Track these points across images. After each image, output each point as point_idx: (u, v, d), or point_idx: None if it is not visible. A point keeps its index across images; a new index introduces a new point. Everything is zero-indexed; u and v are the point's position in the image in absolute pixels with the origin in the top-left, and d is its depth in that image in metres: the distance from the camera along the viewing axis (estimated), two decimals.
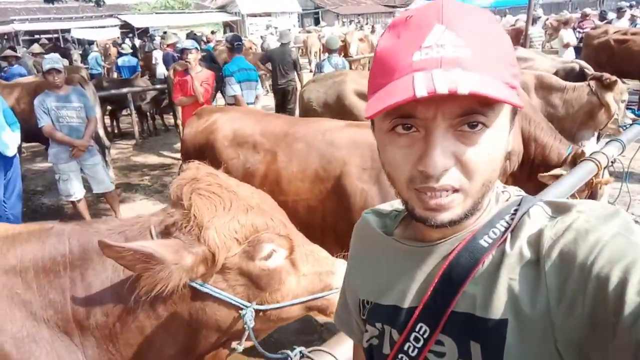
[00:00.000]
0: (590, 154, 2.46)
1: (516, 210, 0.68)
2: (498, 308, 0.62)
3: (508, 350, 0.61)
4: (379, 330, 0.78)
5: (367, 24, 24.94)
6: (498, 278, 0.63)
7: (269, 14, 30.38)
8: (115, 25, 25.56)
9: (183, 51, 5.81)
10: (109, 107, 8.89)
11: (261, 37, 18.67)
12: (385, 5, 36.65)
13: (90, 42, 18.19)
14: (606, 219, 0.60)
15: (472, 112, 0.60)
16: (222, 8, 32.37)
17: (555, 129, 3.26)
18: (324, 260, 1.45)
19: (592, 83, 3.85)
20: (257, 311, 1.32)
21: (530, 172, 3.26)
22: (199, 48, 6.29)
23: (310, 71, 12.69)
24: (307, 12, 33.74)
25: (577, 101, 3.86)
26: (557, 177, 2.61)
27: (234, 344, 1.45)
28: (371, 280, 0.81)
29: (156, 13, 28.93)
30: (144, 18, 27.51)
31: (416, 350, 0.70)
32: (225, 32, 24.86)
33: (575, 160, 2.73)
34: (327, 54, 6.74)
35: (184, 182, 1.27)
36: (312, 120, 3.07)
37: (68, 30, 22.42)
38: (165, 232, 1.24)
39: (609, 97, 3.69)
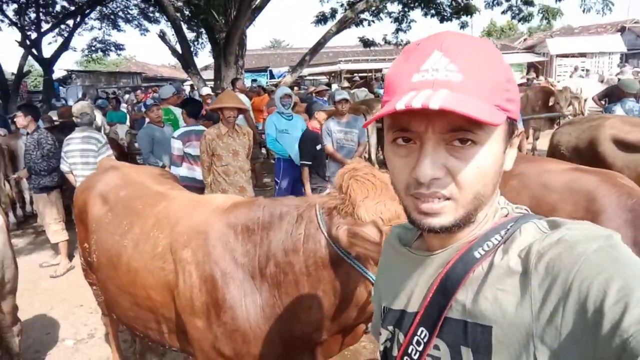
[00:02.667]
0: None
1: (512, 225, 0.72)
2: (485, 316, 0.66)
3: (495, 356, 0.65)
4: (390, 333, 0.84)
5: None
6: (485, 287, 0.67)
7: (583, 54, 27.64)
8: None
9: None
10: None
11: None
12: None
13: None
14: (594, 237, 0.61)
15: (460, 128, 0.64)
16: (531, 49, 31.23)
17: None
18: None
19: None
20: None
21: None
22: None
23: None
24: (635, 51, 29.11)
25: None
26: None
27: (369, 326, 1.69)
28: (389, 288, 0.88)
29: None
30: None
31: (418, 354, 0.75)
32: (528, 73, 23.92)
33: None
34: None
35: (345, 171, 1.61)
36: (534, 159, 2.96)
37: (380, 70, 25.81)
38: (327, 213, 1.62)
39: None
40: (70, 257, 5.68)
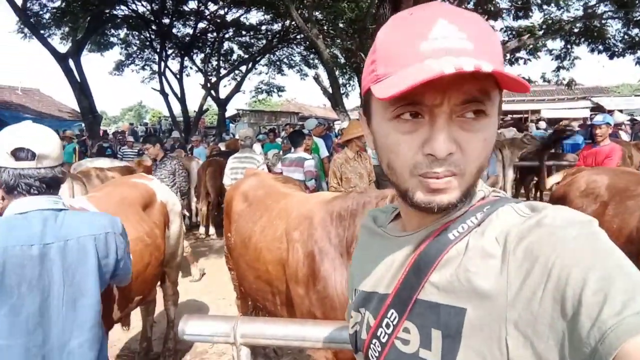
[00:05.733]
0: None
1: (488, 208, 0.70)
2: (458, 298, 0.64)
3: (465, 339, 0.63)
4: (361, 315, 0.82)
5: None
6: (460, 269, 0.65)
7: None
8: (586, 107, 25.67)
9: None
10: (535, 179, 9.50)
11: None
12: None
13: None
14: (573, 223, 0.60)
15: (474, 100, 0.62)
16: None
17: None
18: None
19: None
20: None
21: None
22: None
23: None
24: None
25: None
26: None
27: None
28: (361, 270, 0.85)
29: (635, 95, 27.04)
30: (620, 101, 26.27)
31: (386, 336, 0.73)
32: None
33: None
34: None
35: None
36: None
37: (537, 111, 24.39)
38: (391, 200, 1.96)
39: None
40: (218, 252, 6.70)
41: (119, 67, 22.60)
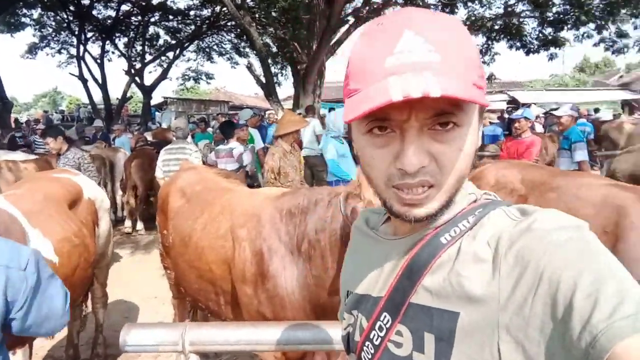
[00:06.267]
0: None
1: (480, 212, 0.70)
2: (451, 302, 0.64)
3: (457, 343, 0.63)
4: (354, 317, 0.82)
5: None
6: (452, 273, 0.65)
7: None
8: (503, 100, 27.39)
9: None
10: None
11: None
12: None
13: None
14: (564, 227, 0.60)
15: (443, 112, 0.62)
16: (626, 86, 29.45)
17: None
18: None
19: None
20: None
21: None
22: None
23: None
24: None
25: None
26: None
27: None
28: (354, 272, 0.86)
29: (546, 90, 29.26)
30: (533, 95, 28.29)
31: (379, 339, 0.73)
32: (623, 111, 22.55)
33: None
34: None
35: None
36: (575, 174, 3.06)
37: None
38: (346, 198, 1.93)
39: None
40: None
41: (32, 50, 20.84)
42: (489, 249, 0.64)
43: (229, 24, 19.11)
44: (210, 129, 14.06)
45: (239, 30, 17.74)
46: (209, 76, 24.74)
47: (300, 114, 8.79)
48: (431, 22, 0.63)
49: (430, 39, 0.61)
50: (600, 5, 11.70)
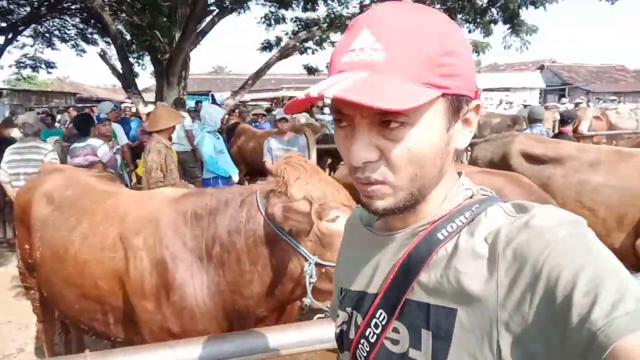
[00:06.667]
0: None
1: (476, 207, 0.69)
2: (448, 298, 0.64)
3: (455, 340, 0.63)
4: (348, 314, 0.81)
5: (623, 103, 22.20)
6: (450, 270, 0.65)
7: (507, 89, 29.98)
8: None
9: None
10: (329, 160, 10.34)
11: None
12: None
13: None
14: (562, 223, 0.60)
15: (386, 111, 0.60)
16: None
17: None
18: None
19: None
20: (319, 267, 1.75)
21: None
22: None
23: None
24: (551, 88, 31.97)
25: None
26: None
27: (305, 300, 1.88)
28: (348, 268, 0.85)
29: None
30: None
31: (375, 336, 0.72)
32: None
33: None
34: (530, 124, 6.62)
35: (281, 160, 1.84)
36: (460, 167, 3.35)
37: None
38: (265, 195, 1.83)
39: None
40: None
41: None
42: (487, 246, 0.63)
43: (72, 7, 17.07)
44: (57, 124, 12.50)
45: (85, 14, 15.98)
46: (50, 64, 21.88)
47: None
48: (394, 20, 0.63)
49: (382, 37, 0.62)
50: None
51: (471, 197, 0.73)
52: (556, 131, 6.97)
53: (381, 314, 0.72)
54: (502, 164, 3.92)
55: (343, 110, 0.65)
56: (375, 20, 0.64)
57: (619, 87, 31.37)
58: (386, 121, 0.63)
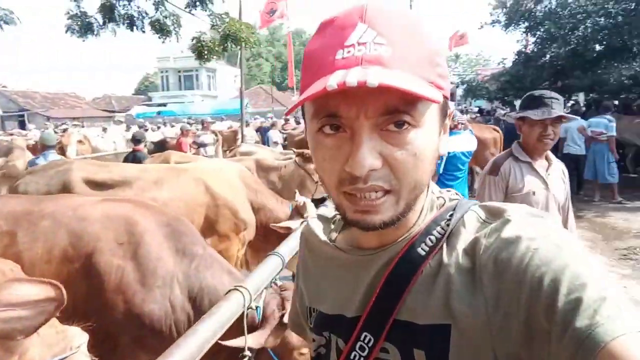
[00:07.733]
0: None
1: (451, 215, 0.67)
2: (439, 316, 0.62)
3: (452, 356, 0.61)
4: (325, 339, 0.77)
5: (83, 126, 23.59)
6: (437, 287, 0.63)
7: None
8: None
9: None
10: None
11: None
12: (103, 110, 35.53)
13: None
14: (537, 226, 0.60)
15: (395, 110, 0.58)
16: None
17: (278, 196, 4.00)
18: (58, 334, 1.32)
19: (298, 159, 4.95)
20: None
21: (265, 234, 3.84)
22: None
23: None
24: (9, 114, 29.87)
25: (290, 175, 4.88)
26: (287, 228, 3.21)
27: None
28: (316, 288, 0.80)
29: None
30: None
31: (362, 359, 0.68)
32: None
33: (298, 211, 3.40)
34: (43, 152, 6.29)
35: None
36: (58, 197, 2.99)
37: None
38: None
39: (311, 167, 4.72)
40: None
41: None
42: (469, 259, 0.62)
43: None
44: None
45: None
46: None
47: None
48: (387, 15, 0.60)
49: (383, 32, 0.59)
50: None
51: (443, 205, 0.72)
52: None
53: (366, 336, 0.68)
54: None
55: (341, 112, 0.59)
56: (370, 15, 0.60)
57: (76, 112, 33.10)
58: (395, 123, 0.59)
